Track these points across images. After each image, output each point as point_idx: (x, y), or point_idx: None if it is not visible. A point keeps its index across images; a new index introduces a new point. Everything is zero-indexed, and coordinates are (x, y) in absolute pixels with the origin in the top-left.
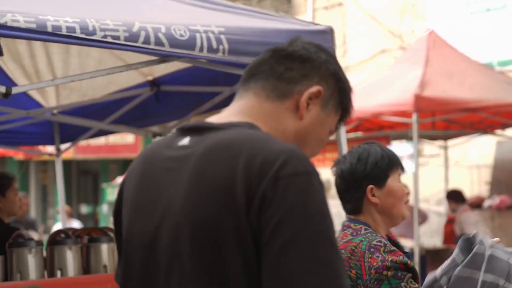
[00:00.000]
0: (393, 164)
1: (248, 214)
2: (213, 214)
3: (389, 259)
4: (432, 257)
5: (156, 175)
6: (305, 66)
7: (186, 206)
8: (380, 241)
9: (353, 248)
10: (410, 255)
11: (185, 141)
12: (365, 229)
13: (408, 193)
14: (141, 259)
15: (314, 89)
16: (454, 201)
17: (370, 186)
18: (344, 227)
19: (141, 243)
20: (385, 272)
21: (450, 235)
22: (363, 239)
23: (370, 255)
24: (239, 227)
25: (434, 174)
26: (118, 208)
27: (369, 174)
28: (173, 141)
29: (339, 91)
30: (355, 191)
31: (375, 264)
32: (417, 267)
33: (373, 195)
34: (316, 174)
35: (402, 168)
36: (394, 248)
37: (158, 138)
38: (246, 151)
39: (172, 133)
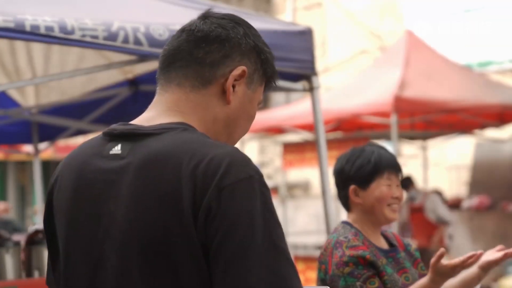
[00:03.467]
0: (380, 168)
1: (196, 228)
2: (162, 231)
3: (347, 253)
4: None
5: (92, 188)
6: (224, 46)
7: (131, 223)
8: (346, 237)
9: (327, 244)
10: (396, 250)
11: (117, 149)
12: (343, 227)
13: (396, 197)
14: (86, 276)
15: (238, 70)
16: (406, 189)
17: (353, 187)
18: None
19: (84, 260)
20: (341, 268)
21: (422, 227)
22: (335, 236)
23: (334, 251)
24: (189, 242)
25: (413, 174)
26: (49, 218)
27: (353, 176)
28: (103, 149)
29: (261, 63)
30: (342, 189)
31: (335, 259)
32: None
33: (357, 195)
34: (259, 176)
35: (397, 172)
36: (357, 243)
37: None
38: (186, 161)
39: (98, 137)
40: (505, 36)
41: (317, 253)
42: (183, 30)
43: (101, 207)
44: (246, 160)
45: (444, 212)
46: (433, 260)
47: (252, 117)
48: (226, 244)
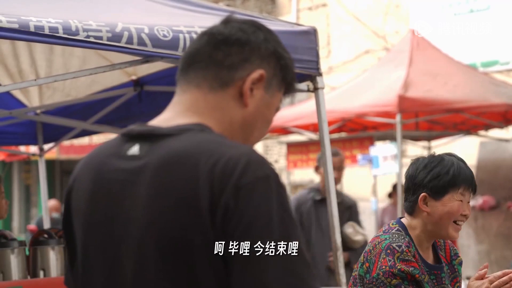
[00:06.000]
0: (456, 182)
1: (213, 227)
2: (180, 231)
3: (398, 267)
4: None
5: (109, 189)
6: (244, 49)
7: (149, 223)
8: (399, 246)
9: (376, 243)
10: (442, 268)
11: (135, 149)
12: (397, 230)
13: (464, 215)
14: (103, 276)
15: (256, 74)
16: None
17: (424, 195)
18: (387, 223)
19: (102, 260)
20: (389, 279)
21: None
22: (387, 238)
23: (384, 256)
24: (207, 243)
25: None
26: (67, 218)
27: (427, 184)
28: (121, 149)
29: (281, 69)
30: (411, 194)
31: (384, 267)
32: None
33: (426, 204)
34: (275, 176)
35: (472, 189)
36: (410, 257)
37: None
38: (204, 160)
39: (116, 138)
40: (510, 36)
41: None
42: (204, 33)
43: (118, 208)
44: (263, 160)
45: None
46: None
47: (269, 122)
48: (242, 243)
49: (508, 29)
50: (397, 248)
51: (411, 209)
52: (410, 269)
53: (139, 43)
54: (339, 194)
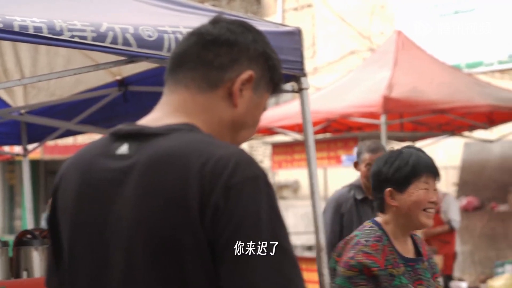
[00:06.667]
0: (417, 171)
1: (203, 226)
2: (170, 230)
3: (357, 258)
4: None
5: (97, 188)
6: (233, 50)
7: (138, 223)
8: (367, 240)
9: (349, 239)
10: (417, 260)
11: (124, 149)
12: (371, 227)
13: (433, 202)
14: (91, 276)
15: (246, 75)
16: None
17: (389, 189)
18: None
19: (90, 259)
20: (346, 269)
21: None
22: (359, 235)
23: (350, 249)
24: (196, 240)
25: None
26: (53, 218)
27: (391, 178)
28: (109, 149)
29: (269, 69)
30: (378, 191)
31: (345, 258)
32: None
33: (393, 198)
34: (264, 176)
35: (435, 175)
36: (372, 251)
37: None
38: (193, 160)
39: (104, 138)
40: (494, 37)
41: (306, 254)
42: (193, 33)
43: (106, 207)
44: (252, 160)
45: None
46: None
47: (256, 122)
48: (232, 243)
49: (492, 30)
50: (363, 242)
51: (381, 206)
52: (368, 262)
53: (124, 43)
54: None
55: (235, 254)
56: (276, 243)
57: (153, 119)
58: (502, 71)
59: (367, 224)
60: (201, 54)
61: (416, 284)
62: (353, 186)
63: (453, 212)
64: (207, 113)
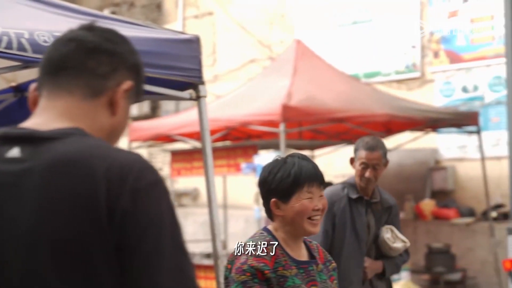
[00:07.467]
0: (299, 182)
1: (111, 229)
2: (75, 233)
3: (249, 262)
4: None
5: None
6: (113, 59)
7: (40, 226)
8: (256, 245)
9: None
10: (310, 262)
11: (14, 152)
12: (261, 233)
13: (318, 209)
14: None
15: (126, 85)
16: None
17: (274, 200)
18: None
19: None
20: (238, 275)
21: None
22: (250, 241)
23: (241, 255)
24: (104, 245)
25: None
26: None
27: (274, 189)
28: None
29: (139, 80)
30: (265, 201)
31: (238, 263)
32: None
33: (278, 208)
34: (163, 181)
35: (318, 183)
36: (263, 254)
37: None
38: (98, 164)
39: None
40: (391, 48)
41: (205, 262)
42: (70, 39)
43: (0, 211)
44: (151, 166)
45: None
46: None
47: (125, 129)
48: (140, 245)
49: (389, 41)
50: (253, 247)
51: (269, 214)
52: (260, 265)
53: (19, 48)
54: (378, 193)
55: (142, 256)
56: (177, 243)
57: (38, 123)
58: (399, 81)
59: (258, 231)
60: (84, 61)
61: (310, 285)
62: (347, 184)
63: None
64: (90, 120)
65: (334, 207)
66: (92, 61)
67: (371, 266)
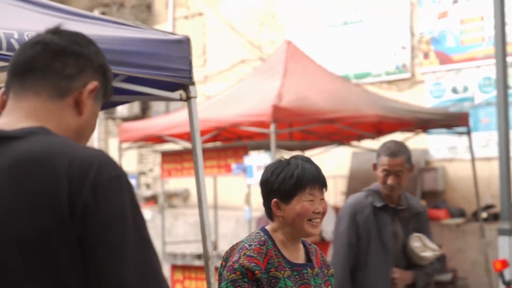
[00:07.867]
0: (302, 183)
1: (73, 224)
2: (39, 229)
3: (240, 261)
4: None
5: None
6: (79, 61)
7: (5, 224)
8: (250, 245)
9: (235, 245)
10: (305, 265)
11: None
12: (257, 233)
13: (318, 212)
14: None
15: (92, 85)
16: None
17: (275, 200)
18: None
19: None
20: (229, 273)
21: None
22: (245, 240)
23: (236, 254)
24: (67, 240)
25: None
26: None
27: (276, 190)
28: None
29: (106, 81)
30: (266, 200)
31: (231, 261)
32: None
33: (279, 209)
34: (125, 175)
35: (320, 186)
36: (256, 255)
37: None
38: (59, 161)
39: None
40: (382, 49)
41: (195, 263)
42: (37, 42)
43: None
44: (113, 161)
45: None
46: None
47: (93, 130)
48: (102, 239)
49: (379, 42)
50: (247, 246)
51: (270, 214)
52: (251, 265)
53: (8, 48)
54: (404, 199)
55: (105, 250)
56: (141, 236)
57: (4, 123)
58: (389, 82)
59: (255, 231)
60: (50, 63)
61: None
62: (371, 192)
63: (326, 223)
64: (56, 120)
65: (357, 216)
66: (58, 63)
67: (402, 277)
